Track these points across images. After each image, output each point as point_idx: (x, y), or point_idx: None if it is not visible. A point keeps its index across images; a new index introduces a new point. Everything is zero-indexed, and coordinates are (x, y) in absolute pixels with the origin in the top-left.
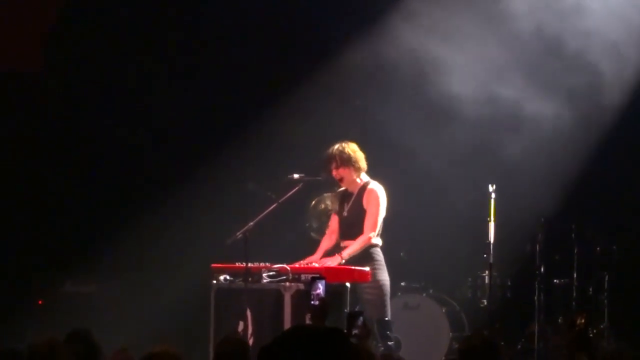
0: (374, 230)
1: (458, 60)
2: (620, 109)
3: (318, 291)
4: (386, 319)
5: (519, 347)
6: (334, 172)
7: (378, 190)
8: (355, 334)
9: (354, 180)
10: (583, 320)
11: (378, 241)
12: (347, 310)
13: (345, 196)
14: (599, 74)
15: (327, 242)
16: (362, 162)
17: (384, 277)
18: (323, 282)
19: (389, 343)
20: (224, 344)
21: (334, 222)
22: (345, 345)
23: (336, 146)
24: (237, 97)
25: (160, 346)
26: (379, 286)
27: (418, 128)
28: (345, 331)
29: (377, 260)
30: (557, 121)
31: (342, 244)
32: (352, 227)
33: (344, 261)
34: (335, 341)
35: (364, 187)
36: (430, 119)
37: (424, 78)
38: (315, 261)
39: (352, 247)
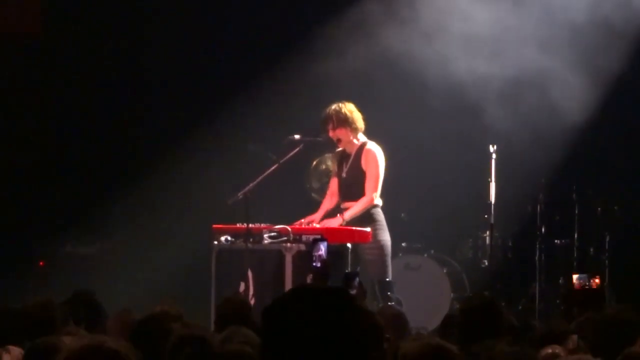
0: (375, 191)
1: (460, 19)
2: (623, 69)
3: (320, 252)
4: (387, 279)
5: (520, 307)
6: (331, 133)
7: (376, 151)
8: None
9: (351, 141)
10: (598, 280)
11: (379, 202)
12: (348, 271)
13: (343, 157)
14: (603, 34)
15: (328, 203)
16: (360, 123)
17: (385, 237)
18: (325, 243)
19: (390, 303)
20: (226, 304)
21: (333, 184)
22: (350, 304)
23: (333, 106)
24: (238, 58)
25: (162, 306)
26: (379, 246)
27: (418, 88)
28: None
29: (378, 221)
30: (559, 81)
31: (343, 205)
32: (352, 188)
33: (345, 222)
34: (340, 300)
35: (361, 148)
36: (431, 79)
37: (426, 37)
38: (316, 220)
39: (354, 209)
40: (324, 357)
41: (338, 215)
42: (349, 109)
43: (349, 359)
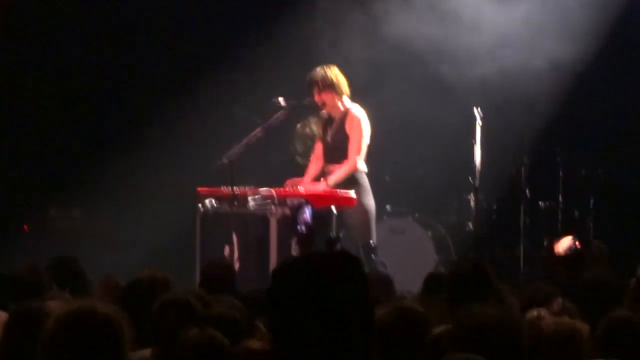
0: (359, 155)
1: None
2: (608, 32)
3: (305, 216)
4: (371, 243)
5: (505, 270)
6: (316, 97)
7: (360, 115)
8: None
9: (336, 105)
10: (578, 244)
11: (363, 166)
12: (332, 235)
13: (328, 121)
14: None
15: (314, 168)
16: (345, 87)
17: (369, 201)
18: (310, 207)
19: (374, 267)
20: (211, 267)
21: (318, 148)
22: (360, 271)
23: (318, 70)
24: (223, 21)
25: (148, 271)
26: (364, 210)
27: (401, 52)
28: None
29: (362, 185)
30: (544, 44)
31: (327, 168)
32: (336, 151)
33: (328, 187)
34: (351, 267)
35: (346, 112)
36: (414, 41)
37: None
38: (300, 183)
39: (338, 173)
40: (329, 319)
41: (322, 179)
42: (334, 72)
43: (354, 323)
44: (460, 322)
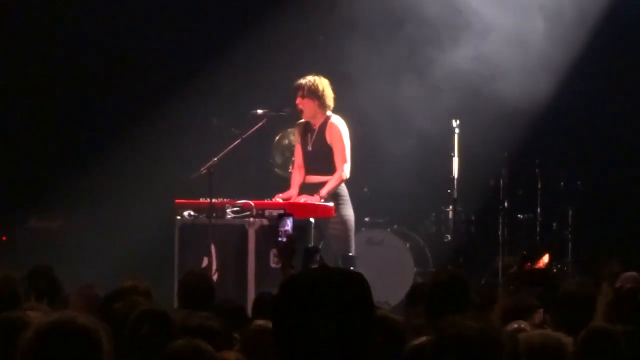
0: (346, 163)
1: None
2: (584, 43)
3: (286, 228)
4: (350, 254)
5: (483, 281)
6: (299, 100)
7: (339, 124)
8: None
9: (317, 114)
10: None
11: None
12: (311, 246)
13: (307, 129)
14: (571, 11)
15: (297, 177)
16: (329, 100)
17: (349, 212)
18: (291, 218)
19: None
20: (189, 276)
21: (298, 156)
22: (364, 286)
23: (308, 77)
24: (201, 31)
25: (131, 281)
26: (343, 221)
27: (382, 63)
28: (302, 267)
29: (341, 196)
30: (522, 54)
31: (307, 179)
32: (317, 161)
33: (323, 200)
34: (357, 284)
35: (325, 122)
36: (394, 54)
37: (389, 14)
38: (293, 197)
39: (330, 184)
40: (335, 335)
41: (315, 194)
42: (323, 83)
43: (358, 343)
44: (442, 333)
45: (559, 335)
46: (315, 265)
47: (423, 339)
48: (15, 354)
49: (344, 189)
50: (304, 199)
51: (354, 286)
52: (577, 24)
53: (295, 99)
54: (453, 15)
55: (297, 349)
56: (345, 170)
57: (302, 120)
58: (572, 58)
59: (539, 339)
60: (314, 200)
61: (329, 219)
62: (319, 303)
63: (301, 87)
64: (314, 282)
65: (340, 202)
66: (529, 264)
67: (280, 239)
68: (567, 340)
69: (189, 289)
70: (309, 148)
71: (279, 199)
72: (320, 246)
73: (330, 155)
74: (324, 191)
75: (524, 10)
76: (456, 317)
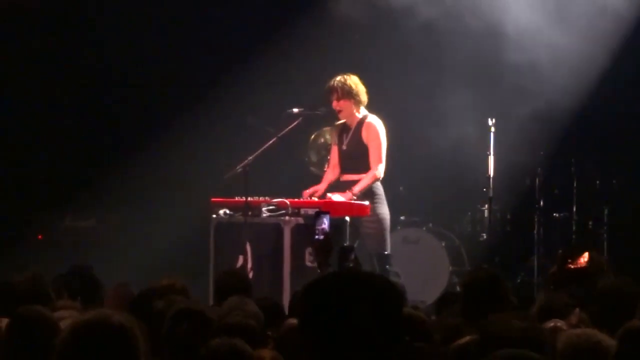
0: (381, 163)
1: None
2: (623, 38)
3: (323, 226)
4: (386, 252)
5: (519, 280)
6: (335, 104)
7: (377, 124)
8: (347, 268)
9: (353, 114)
10: (586, 259)
11: (382, 174)
12: (346, 244)
13: (344, 129)
14: (602, 8)
15: (330, 175)
16: (363, 96)
17: (384, 210)
18: (328, 216)
19: (388, 276)
20: (225, 277)
21: (334, 155)
22: (392, 289)
23: (338, 78)
24: (237, 30)
25: (167, 279)
26: (378, 220)
27: (418, 61)
28: (337, 265)
29: (377, 194)
30: (558, 54)
31: (342, 178)
32: (352, 160)
33: (355, 197)
34: (383, 286)
35: (362, 121)
36: (430, 51)
37: (423, 11)
38: (320, 191)
39: (363, 183)
40: (361, 339)
41: (347, 190)
42: (354, 81)
43: (385, 344)
44: (485, 332)
45: (602, 335)
46: (350, 264)
47: (467, 338)
48: (36, 348)
49: (379, 188)
50: (336, 196)
51: (379, 289)
52: (616, 20)
53: (330, 102)
54: (488, 14)
55: (324, 349)
56: (379, 170)
57: (340, 122)
58: (610, 54)
59: (581, 339)
60: (346, 197)
61: (364, 217)
62: (343, 304)
63: (335, 89)
64: (339, 284)
65: (376, 200)
66: (569, 262)
67: (317, 237)
68: (610, 342)
69: (224, 287)
70: (344, 147)
71: (307, 195)
72: (355, 245)
73: (366, 155)
74: (356, 188)
75: (560, 6)
76: (498, 317)
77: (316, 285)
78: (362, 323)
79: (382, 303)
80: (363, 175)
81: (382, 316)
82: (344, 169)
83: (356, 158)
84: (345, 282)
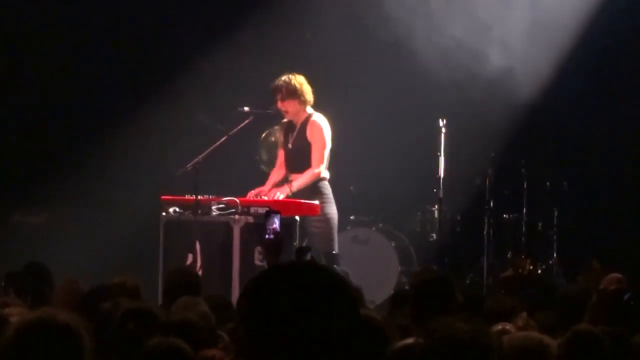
0: (322, 163)
1: None
2: (572, 44)
3: (274, 225)
4: (333, 252)
5: (468, 281)
6: (279, 104)
7: (321, 123)
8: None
9: (299, 113)
10: (530, 266)
11: (326, 174)
12: (296, 244)
13: (289, 128)
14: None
15: (275, 175)
16: (309, 95)
17: (332, 210)
18: (279, 216)
19: None
20: (175, 275)
21: (281, 155)
22: (336, 279)
23: (283, 78)
24: (187, 28)
25: (120, 277)
26: (326, 219)
27: (368, 61)
28: None
29: (324, 194)
30: (507, 56)
31: (290, 177)
32: (297, 159)
33: (291, 193)
34: (324, 275)
35: (307, 119)
36: (381, 51)
37: (375, 12)
38: (264, 192)
39: (301, 180)
40: (310, 334)
41: (285, 185)
42: (299, 81)
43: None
44: (431, 335)
45: (542, 337)
46: None
47: (410, 340)
48: None
49: (326, 187)
50: (273, 192)
51: (335, 283)
52: (564, 25)
53: (276, 102)
54: (441, 12)
55: (270, 348)
56: (320, 168)
57: (286, 120)
58: (559, 58)
59: (522, 341)
60: (283, 191)
61: (311, 217)
62: (294, 297)
63: (279, 89)
64: (291, 276)
65: (324, 200)
66: (520, 269)
67: (267, 236)
68: (551, 342)
69: (173, 286)
70: (290, 146)
71: (252, 195)
72: (305, 242)
73: (310, 153)
74: (294, 184)
75: (511, 11)
76: (445, 319)
77: (266, 277)
78: (320, 319)
79: (340, 297)
80: None
81: (340, 313)
82: (290, 168)
83: (301, 157)
84: (299, 273)
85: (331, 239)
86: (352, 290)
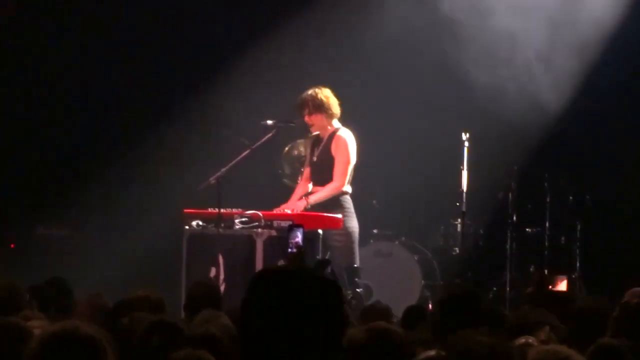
0: (344, 178)
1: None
2: (596, 60)
3: (297, 239)
4: (355, 265)
5: (491, 295)
6: (306, 118)
7: (347, 138)
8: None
9: (326, 127)
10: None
11: (347, 189)
12: (318, 257)
13: (316, 142)
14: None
15: (301, 189)
16: (335, 108)
17: (353, 224)
18: (301, 229)
19: (358, 290)
20: (197, 288)
21: (307, 169)
22: (335, 293)
23: (309, 91)
24: (211, 42)
25: (142, 290)
26: (347, 233)
27: (391, 75)
28: None
29: (346, 208)
30: (532, 69)
31: (312, 190)
32: (321, 172)
33: (309, 206)
34: (326, 287)
35: (333, 134)
36: (405, 66)
37: (403, 23)
38: (288, 206)
39: (320, 193)
40: (300, 338)
41: (303, 198)
42: (325, 94)
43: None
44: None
45: (571, 351)
46: None
47: (432, 352)
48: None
49: (348, 201)
50: (291, 206)
51: (323, 289)
52: (590, 37)
53: (302, 116)
54: (462, 26)
55: (260, 348)
56: (341, 183)
57: (313, 134)
58: (584, 71)
59: (550, 355)
60: (301, 205)
61: (333, 230)
62: (284, 301)
63: (305, 103)
64: (282, 279)
65: (345, 214)
66: (549, 285)
67: (290, 250)
68: (579, 357)
69: (194, 299)
70: (315, 159)
71: (286, 209)
72: (327, 256)
73: (334, 167)
74: (312, 197)
75: (534, 22)
76: (466, 333)
77: (261, 278)
78: (305, 320)
79: (326, 301)
80: None
81: (325, 315)
82: (314, 182)
83: (325, 170)
84: (287, 277)
85: (352, 253)
86: (336, 293)
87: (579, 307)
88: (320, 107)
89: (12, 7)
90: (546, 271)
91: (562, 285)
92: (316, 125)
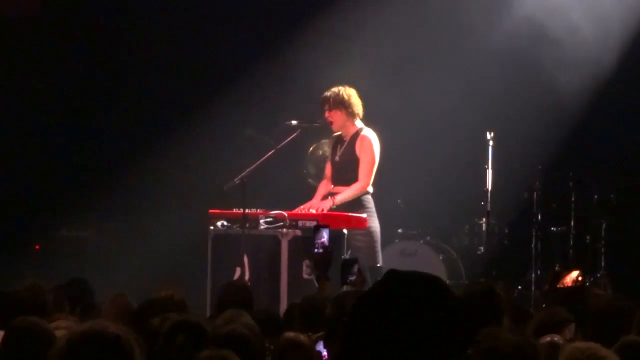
0: (369, 178)
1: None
2: (621, 57)
3: (322, 239)
4: (378, 265)
5: (516, 294)
6: (326, 114)
7: (371, 137)
8: (350, 281)
9: (346, 125)
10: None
11: (370, 189)
12: (344, 257)
13: (338, 141)
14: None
15: (324, 188)
16: (357, 108)
17: (375, 223)
18: (327, 230)
19: None
20: (227, 289)
21: (328, 169)
22: (447, 292)
23: (333, 89)
24: (236, 42)
25: (165, 291)
26: (370, 232)
27: (416, 74)
28: (341, 278)
29: (368, 208)
30: (557, 68)
31: (334, 189)
32: (344, 172)
33: (335, 205)
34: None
35: (357, 134)
36: (428, 64)
37: (425, 20)
38: (312, 206)
39: (346, 193)
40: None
41: (329, 197)
42: (348, 92)
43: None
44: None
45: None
46: (353, 277)
47: None
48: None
49: (370, 201)
50: (316, 205)
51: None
52: (616, 37)
53: (323, 112)
54: (488, 25)
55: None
56: (366, 183)
57: (336, 134)
58: (609, 70)
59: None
60: (327, 204)
61: (355, 230)
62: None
63: (327, 99)
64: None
65: (367, 214)
66: (560, 281)
67: (316, 250)
68: (614, 357)
69: (226, 299)
70: (337, 159)
71: (301, 209)
72: (349, 255)
73: (357, 167)
74: (338, 197)
75: (562, 19)
76: (491, 330)
77: (380, 288)
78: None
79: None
80: None
81: (451, 326)
82: (336, 181)
83: (348, 170)
84: (411, 284)
85: (375, 252)
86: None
87: (603, 306)
88: (340, 103)
89: (35, 6)
90: (557, 267)
91: (573, 275)
92: (336, 122)
